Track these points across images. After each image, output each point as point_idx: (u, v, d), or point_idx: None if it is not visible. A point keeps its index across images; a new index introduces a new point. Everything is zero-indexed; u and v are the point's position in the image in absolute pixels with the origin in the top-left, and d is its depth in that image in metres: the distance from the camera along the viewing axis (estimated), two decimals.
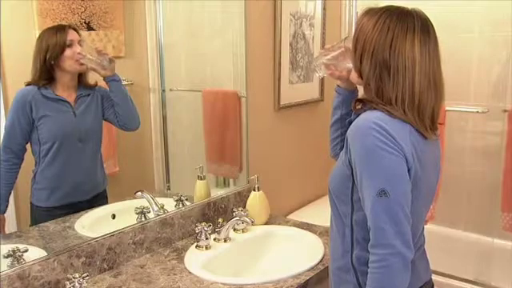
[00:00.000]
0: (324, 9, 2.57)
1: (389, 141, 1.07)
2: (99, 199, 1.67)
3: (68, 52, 1.49)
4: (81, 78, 1.58)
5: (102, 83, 1.63)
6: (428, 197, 1.23)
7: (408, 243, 1.07)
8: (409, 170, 1.10)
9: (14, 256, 1.36)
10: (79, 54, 1.51)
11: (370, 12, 1.18)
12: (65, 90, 1.54)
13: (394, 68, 1.12)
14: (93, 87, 1.62)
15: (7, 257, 1.36)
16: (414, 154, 1.11)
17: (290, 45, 2.37)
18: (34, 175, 1.51)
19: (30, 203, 1.51)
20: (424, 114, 1.14)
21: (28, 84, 1.45)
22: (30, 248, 1.41)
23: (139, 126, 1.74)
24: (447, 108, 2.53)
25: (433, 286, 1.31)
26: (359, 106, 1.18)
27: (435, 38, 1.16)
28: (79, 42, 1.52)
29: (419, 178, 1.13)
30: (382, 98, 1.14)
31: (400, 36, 1.12)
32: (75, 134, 1.57)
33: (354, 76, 1.23)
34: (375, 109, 1.13)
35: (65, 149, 1.54)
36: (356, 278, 1.21)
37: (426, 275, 1.27)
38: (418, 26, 1.13)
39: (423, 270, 1.26)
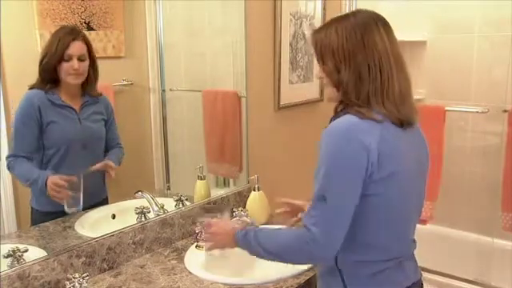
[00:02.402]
0: (324, 9, 2.56)
1: (351, 148, 1.10)
2: (98, 206, 1.67)
3: (64, 65, 1.47)
4: (85, 87, 1.57)
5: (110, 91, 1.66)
6: (413, 193, 1.22)
7: (328, 245, 1.13)
8: (373, 172, 1.11)
9: (14, 256, 1.36)
10: (75, 69, 1.49)
11: (322, 28, 1.21)
12: (69, 95, 1.53)
13: (373, 63, 1.13)
14: (98, 96, 1.61)
15: (7, 257, 1.36)
16: (386, 153, 1.11)
17: (290, 45, 2.37)
18: None
19: (31, 207, 1.50)
20: (405, 98, 1.16)
21: (32, 87, 1.45)
22: (30, 248, 1.41)
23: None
24: (447, 108, 2.54)
25: (422, 285, 1.32)
26: (340, 109, 1.20)
27: (390, 26, 1.20)
28: (80, 57, 1.49)
29: (396, 176, 1.14)
30: (359, 97, 1.15)
31: (367, 31, 1.14)
32: (80, 141, 1.57)
33: (331, 93, 1.21)
34: (348, 113, 1.14)
35: (68, 155, 1.53)
36: (342, 280, 1.22)
37: (416, 275, 1.29)
38: (378, 19, 1.17)
39: (412, 271, 1.27)
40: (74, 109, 1.55)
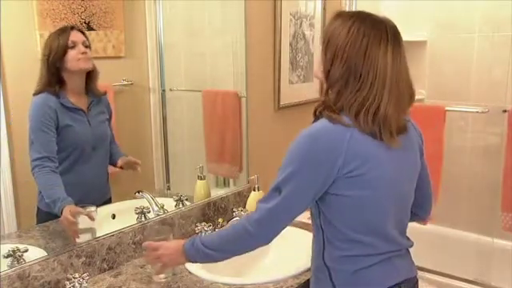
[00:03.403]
0: (324, 9, 2.57)
1: (318, 152, 1.13)
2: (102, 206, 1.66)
3: (70, 53, 1.48)
4: (89, 84, 1.57)
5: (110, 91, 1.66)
6: (392, 195, 1.22)
7: (265, 236, 1.21)
8: (342, 173, 1.13)
9: (14, 256, 1.36)
10: (83, 53, 1.50)
11: (342, 16, 1.19)
12: (75, 96, 1.53)
13: (364, 75, 1.13)
14: (101, 95, 1.62)
15: (7, 257, 1.36)
16: (355, 156, 1.12)
17: (290, 45, 2.37)
18: None
19: (37, 208, 1.50)
20: (389, 122, 1.15)
21: (39, 91, 1.45)
22: (30, 248, 1.41)
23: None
24: (447, 108, 2.54)
25: (417, 281, 1.33)
26: (319, 110, 1.21)
27: (403, 47, 1.19)
28: (83, 43, 1.51)
29: (367, 177, 1.14)
30: (336, 103, 1.16)
31: (374, 44, 1.13)
32: (90, 143, 1.58)
33: (318, 73, 1.24)
34: (322, 117, 1.17)
35: (80, 158, 1.54)
36: (329, 277, 1.23)
37: (409, 272, 1.30)
38: (391, 34, 1.15)
39: (404, 268, 1.28)
40: (83, 110, 1.55)
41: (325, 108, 1.18)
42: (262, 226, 1.20)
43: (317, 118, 1.20)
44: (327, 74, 1.19)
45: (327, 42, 1.19)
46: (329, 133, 1.14)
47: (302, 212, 1.20)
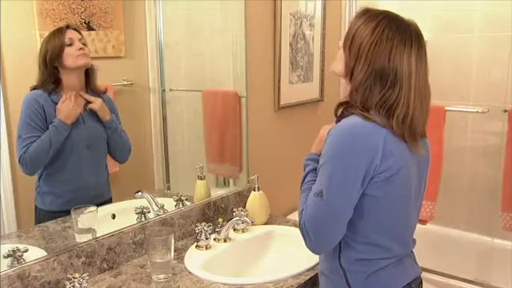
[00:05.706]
0: (324, 9, 2.57)
1: (356, 150, 1.10)
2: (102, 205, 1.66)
3: (68, 50, 1.48)
4: (89, 82, 1.57)
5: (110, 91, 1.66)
6: (413, 195, 1.24)
7: (317, 244, 1.17)
8: (378, 172, 1.12)
9: (14, 256, 1.36)
10: (81, 49, 1.50)
11: (368, 14, 1.17)
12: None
13: (392, 79, 1.12)
14: (102, 92, 1.61)
15: (7, 257, 1.36)
16: (390, 155, 1.12)
17: (290, 45, 2.37)
18: (39, 179, 1.50)
19: (35, 206, 1.50)
20: (414, 127, 1.16)
21: (34, 88, 1.45)
22: (30, 248, 1.41)
23: (126, 161, 1.73)
24: (447, 108, 2.54)
25: (421, 281, 1.33)
26: (340, 112, 1.20)
27: (426, 53, 1.18)
28: (80, 40, 1.51)
29: (399, 177, 1.14)
30: (364, 105, 1.15)
31: (399, 48, 1.12)
32: (83, 141, 1.57)
33: (338, 69, 1.23)
34: (353, 114, 1.15)
35: (71, 156, 1.53)
36: (345, 279, 1.23)
37: (415, 272, 1.30)
38: (415, 39, 1.15)
39: (412, 268, 1.30)
40: None
41: (352, 107, 1.16)
42: (310, 241, 1.17)
43: (341, 116, 1.19)
44: (351, 73, 1.18)
45: (351, 40, 1.18)
46: (366, 130, 1.12)
47: (350, 215, 1.16)
